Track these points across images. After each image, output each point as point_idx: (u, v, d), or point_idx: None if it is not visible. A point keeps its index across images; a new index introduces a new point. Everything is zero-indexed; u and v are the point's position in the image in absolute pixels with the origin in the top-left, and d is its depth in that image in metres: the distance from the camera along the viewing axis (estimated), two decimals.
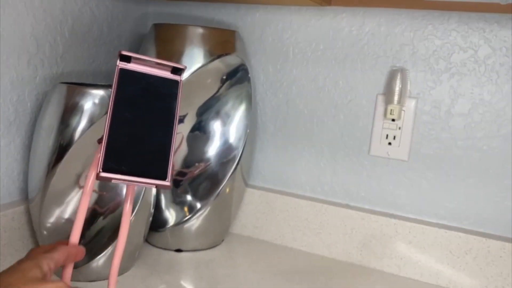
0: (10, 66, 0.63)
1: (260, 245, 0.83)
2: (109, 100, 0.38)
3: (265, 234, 0.85)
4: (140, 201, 0.66)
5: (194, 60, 0.73)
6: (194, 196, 0.75)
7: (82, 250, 0.44)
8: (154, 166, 0.38)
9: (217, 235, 0.81)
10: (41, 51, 0.67)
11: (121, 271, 0.68)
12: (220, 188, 0.75)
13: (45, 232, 0.63)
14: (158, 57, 0.76)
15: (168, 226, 0.76)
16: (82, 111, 0.61)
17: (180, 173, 0.73)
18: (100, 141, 0.38)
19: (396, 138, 0.76)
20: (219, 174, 0.75)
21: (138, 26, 0.88)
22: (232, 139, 0.75)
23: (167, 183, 0.38)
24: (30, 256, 0.39)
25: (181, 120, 0.73)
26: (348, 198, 0.81)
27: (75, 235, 0.41)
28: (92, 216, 0.62)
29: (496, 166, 0.71)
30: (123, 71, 0.39)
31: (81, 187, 0.61)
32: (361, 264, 0.78)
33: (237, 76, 0.76)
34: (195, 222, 0.76)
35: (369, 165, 0.79)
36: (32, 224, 0.66)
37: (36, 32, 0.66)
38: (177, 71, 0.41)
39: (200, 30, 0.73)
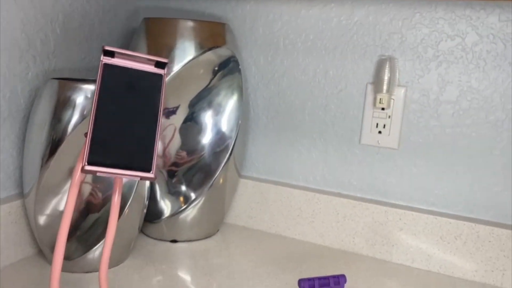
0: (2, 62, 0.64)
1: (254, 235, 0.85)
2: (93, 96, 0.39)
3: (259, 223, 0.87)
4: (133, 193, 0.67)
5: (185, 53, 0.74)
6: (188, 186, 0.76)
7: None
8: (138, 159, 0.39)
9: (212, 225, 0.83)
10: (32, 47, 0.68)
11: (116, 262, 0.70)
12: (214, 178, 0.76)
13: (40, 225, 0.64)
14: (149, 51, 0.77)
15: (163, 217, 0.77)
16: (73, 106, 0.62)
17: (174, 164, 0.74)
18: (86, 134, 0.39)
19: (386, 126, 0.76)
20: (212, 165, 0.76)
21: (129, 20, 0.89)
22: (224, 130, 0.76)
23: (151, 175, 0.39)
24: None
25: (173, 112, 0.74)
26: (340, 187, 0.82)
27: (64, 227, 0.42)
28: (86, 208, 0.64)
29: (484, 153, 0.72)
30: (107, 66, 0.40)
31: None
32: (354, 251, 0.80)
33: (228, 68, 0.77)
34: (190, 213, 0.77)
35: (360, 154, 0.80)
36: (28, 218, 0.68)
37: (27, 28, 0.67)
38: (161, 65, 0.42)
39: (190, 24, 0.74)
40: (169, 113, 0.73)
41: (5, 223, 0.65)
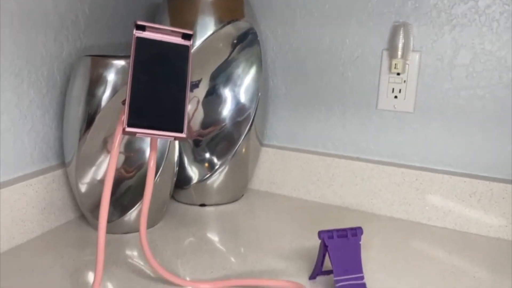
0: (39, 43, 0.69)
1: (277, 199, 0.90)
2: (129, 67, 0.43)
3: (281, 188, 0.91)
4: (164, 161, 0.73)
5: (205, 28, 0.78)
6: (213, 155, 0.81)
7: None
8: (171, 121, 0.44)
9: (237, 190, 0.88)
10: (64, 27, 0.73)
11: (151, 224, 0.76)
12: (237, 147, 0.81)
13: (81, 191, 0.70)
14: (172, 26, 0.81)
15: (192, 183, 0.83)
16: (106, 81, 0.67)
17: (199, 134, 0.79)
18: (123, 102, 0.44)
19: (401, 91, 0.79)
20: (235, 134, 0.81)
21: None
22: (245, 100, 0.80)
23: (183, 135, 0.44)
24: None
25: (196, 85, 0.78)
26: (358, 151, 0.86)
27: (108, 184, 0.47)
28: (121, 176, 0.69)
29: (498, 113, 0.74)
30: (139, 39, 0.44)
31: (109, 149, 0.68)
32: (372, 212, 0.84)
33: (247, 40, 0.80)
34: (216, 179, 0.83)
35: (377, 119, 0.83)
36: (70, 185, 0.74)
37: (59, 10, 0.71)
38: (187, 36, 0.46)
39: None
40: (192, 86, 0.78)
41: (50, 190, 0.72)
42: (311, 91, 0.87)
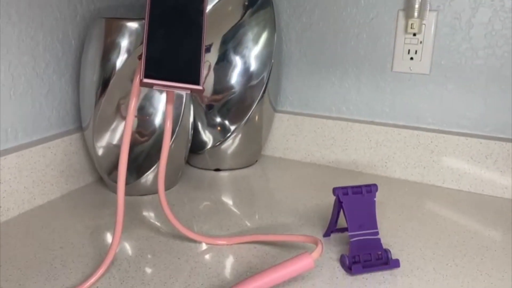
0: (54, 5, 0.69)
1: (291, 164, 0.90)
2: (145, 25, 0.43)
3: (295, 154, 0.92)
4: (178, 126, 0.73)
5: None
6: (226, 120, 0.81)
7: None
8: (188, 73, 0.44)
9: (251, 155, 0.88)
10: None
11: (167, 187, 0.77)
12: (250, 112, 0.81)
13: (99, 154, 0.72)
14: None
15: (207, 148, 0.83)
16: (120, 44, 0.67)
17: (212, 99, 0.80)
18: (139, 57, 0.44)
19: (417, 52, 0.78)
20: (248, 100, 0.80)
21: None
22: (258, 65, 0.79)
23: (199, 87, 0.44)
24: None
25: (207, 49, 0.78)
26: (372, 115, 0.85)
27: (126, 140, 0.48)
28: (136, 139, 0.70)
29: None
30: None
31: (123, 113, 0.69)
32: (386, 175, 0.84)
33: (259, 2, 0.79)
34: (230, 144, 0.83)
35: (392, 81, 0.82)
36: (87, 149, 0.75)
37: None
38: None
39: None
40: (204, 41, 0.77)
41: (68, 153, 0.73)
42: (325, 54, 0.86)
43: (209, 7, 0.77)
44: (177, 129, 0.73)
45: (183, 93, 0.42)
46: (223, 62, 0.78)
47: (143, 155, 0.72)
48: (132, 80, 0.67)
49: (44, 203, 0.70)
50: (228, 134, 0.82)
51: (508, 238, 0.62)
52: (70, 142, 0.73)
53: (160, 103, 0.70)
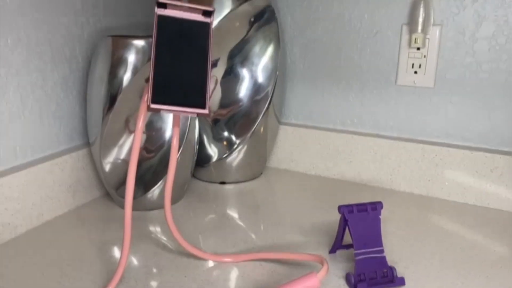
0: (61, 25, 0.70)
1: (296, 176, 0.90)
2: (151, 45, 0.44)
3: (300, 166, 0.92)
4: (184, 140, 0.74)
5: (222, 7, 0.78)
6: (232, 133, 0.82)
7: None
8: (193, 97, 0.45)
9: (256, 168, 0.89)
10: (85, 9, 0.74)
11: (173, 201, 0.78)
12: (255, 125, 0.82)
13: (106, 170, 0.72)
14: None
15: (212, 161, 0.84)
16: (127, 61, 0.68)
17: (218, 113, 0.80)
18: (147, 80, 0.45)
19: (421, 66, 0.78)
20: (253, 113, 0.81)
21: None
22: (263, 79, 0.80)
23: (205, 111, 0.44)
24: None
25: (214, 64, 0.79)
26: (376, 128, 0.85)
27: (134, 159, 0.48)
28: (143, 155, 0.71)
29: None
30: (161, 17, 0.45)
31: (131, 129, 0.70)
32: (391, 188, 0.84)
33: (264, 18, 0.80)
34: (235, 157, 0.84)
35: (396, 94, 0.82)
36: (95, 164, 0.76)
37: None
38: (207, 13, 0.47)
39: None
40: (210, 65, 0.78)
41: (75, 169, 0.74)
42: (329, 68, 0.87)
43: (215, 22, 0.78)
44: (183, 143, 0.74)
45: (190, 116, 0.43)
46: (230, 77, 0.79)
47: (150, 171, 0.73)
48: (140, 97, 0.68)
49: (52, 219, 0.71)
50: (234, 147, 0.83)
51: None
52: (78, 158, 0.74)
53: (168, 119, 0.71)
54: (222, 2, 0.78)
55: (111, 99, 0.69)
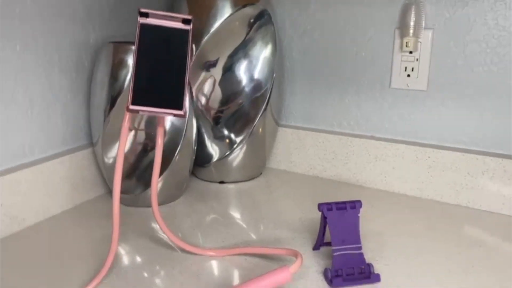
0: (69, 32, 0.75)
1: (294, 177, 0.93)
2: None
3: (298, 167, 0.95)
4: (182, 139, 0.78)
5: (223, 11, 0.81)
6: (232, 132, 0.85)
7: None
8: (171, 100, 0.48)
9: (255, 168, 0.92)
10: (91, 17, 0.79)
11: (172, 198, 0.82)
12: (253, 126, 0.85)
13: (107, 168, 0.77)
14: (191, 11, 0.86)
15: (213, 161, 0.88)
16: (127, 65, 0.72)
17: (217, 112, 0.84)
18: None
19: (414, 69, 0.80)
20: (251, 113, 0.84)
21: None
22: (260, 80, 0.83)
23: (181, 112, 0.48)
24: None
25: (213, 65, 0.82)
26: (372, 130, 0.87)
27: (120, 157, 0.52)
28: (143, 151, 0.75)
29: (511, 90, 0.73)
30: (143, 25, 0.49)
31: (130, 128, 0.74)
32: (386, 189, 0.85)
33: (262, 21, 0.83)
34: (234, 157, 0.87)
35: (390, 97, 0.84)
36: (98, 162, 0.81)
37: (86, 1, 0.77)
38: (187, 21, 0.50)
39: None
40: (210, 66, 0.82)
41: (80, 167, 0.79)
42: (326, 72, 0.89)
43: (216, 25, 0.81)
44: (180, 143, 0.78)
45: (166, 117, 0.47)
46: (228, 77, 0.82)
47: (149, 167, 0.77)
48: None
49: (58, 214, 0.76)
50: (234, 146, 0.86)
51: (500, 250, 0.63)
52: (83, 156, 0.79)
53: (167, 118, 0.75)
54: (222, 7, 0.81)
55: (112, 101, 0.74)
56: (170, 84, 0.49)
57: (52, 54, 0.74)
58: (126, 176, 0.76)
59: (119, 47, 0.73)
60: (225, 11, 0.81)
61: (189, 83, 0.82)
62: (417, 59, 0.79)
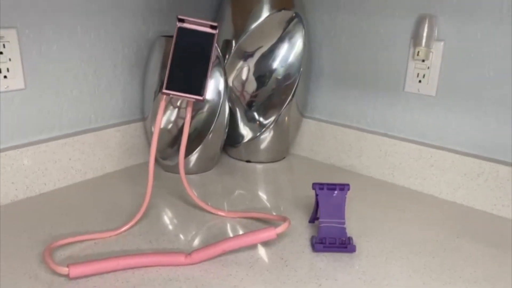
0: (132, 25, 0.92)
1: (313, 164, 1.05)
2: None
3: (318, 155, 1.06)
4: (215, 122, 0.92)
5: (261, 13, 0.95)
6: (261, 117, 0.98)
7: None
8: (195, 88, 0.63)
9: (280, 152, 1.05)
10: (151, 13, 0.95)
11: (204, 169, 0.97)
12: (280, 113, 0.98)
13: None
14: (234, 13, 0.99)
15: (244, 141, 1.02)
16: None
17: (251, 97, 0.97)
18: None
19: (425, 76, 0.88)
20: (279, 102, 0.97)
21: None
22: (289, 73, 0.95)
23: (201, 98, 0.62)
24: None
25: (250, 56, 0.96)
26: (385, 128, 0.96)
27: (157, 128, 0.68)
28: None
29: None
30: (180, 29, 0.63)
31: (173, 106, 0.90)
32: (392, 182, 0.95)
33: (294, 23, 0.95)
34: (262, 140, 1.01)
35: (403, 100, 0.93)
36: (147, 134, 0.98)
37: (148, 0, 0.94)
38: (214, 27, 0.64)
39: None
40: (247, 57, 0.96)
41: (132, 136, 0.96)
42: (349, 73, 0.99)
43: (255, 24, 0.95)
44: (213, 123, 0.92)
45: (190, 100, 0.62)
46: (262, 67, 0.95)
47: (189, 140, 0.92)
48: None
49: (111, 172, 0.94)
50: (262, 130, 0.99)
51: (488, 250, 0.71)
52: (136, 128, 0.97)
53: (209, 96, 0.89)
54: (261, 10, 0.95)
55: (161, 84, 0.90)
56: (195, 76, 0.63)
57: (118, 44, 0.91)
58: (168, 145, 0.92)
59: (169, 40, 0.89)
60: (263, 13, 0.94)
61: (224, 75, 0.96)
62: (428, 67, 0.87)
